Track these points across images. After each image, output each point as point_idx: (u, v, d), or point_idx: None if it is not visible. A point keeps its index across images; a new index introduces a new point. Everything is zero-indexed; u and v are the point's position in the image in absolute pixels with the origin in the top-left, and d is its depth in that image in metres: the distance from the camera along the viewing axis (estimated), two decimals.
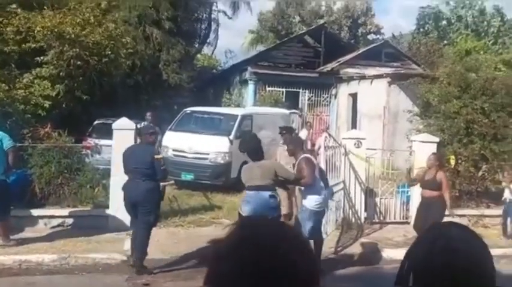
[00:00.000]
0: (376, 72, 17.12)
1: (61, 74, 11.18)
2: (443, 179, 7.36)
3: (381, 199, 9.38)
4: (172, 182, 8.04)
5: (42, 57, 11.05)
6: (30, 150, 8.04)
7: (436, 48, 21.84)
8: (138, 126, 9.88)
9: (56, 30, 10.86)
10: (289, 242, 0.94)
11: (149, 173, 6.08)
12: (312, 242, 6.27)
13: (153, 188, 6.14)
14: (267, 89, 18.67)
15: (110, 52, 11.54)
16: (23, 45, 11.18)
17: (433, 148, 9.15)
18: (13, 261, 6.30)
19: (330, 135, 9.12)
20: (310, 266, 0.95)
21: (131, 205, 6.22)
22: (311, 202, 6.23)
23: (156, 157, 6.22)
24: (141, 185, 6.08)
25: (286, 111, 15.06)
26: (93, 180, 8.26)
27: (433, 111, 10.37)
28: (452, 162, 9.33)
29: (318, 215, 6.33)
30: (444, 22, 27.45)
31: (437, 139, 9.35)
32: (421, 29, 27.43)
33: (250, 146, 5.98)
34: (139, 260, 6.11)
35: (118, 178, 7.77)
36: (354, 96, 17.81)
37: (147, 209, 6.10)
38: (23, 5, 11.46)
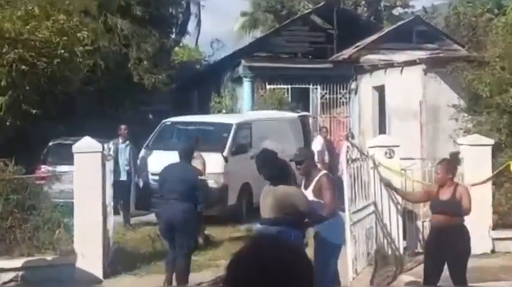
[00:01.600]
0: (407, 58, 17.18)
1: (1, 83, 11.25)
2: (466, 199, 6.54)
3: (423, 222, 9.37)
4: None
5: None
6: None
7: (483, 20, 21.81)
8: (107, 146, 9.97)
9: None
10: (293, 254, 1.59)
11: (189, 194, 7.20)
12: None
13: (191, 210, 7.24)
14: (268, 87, 18.72)
15: (62, 51, 11.59)
16: None
17: (487, 153, 9.20)
18: None
19: (352, 144, 9.17)
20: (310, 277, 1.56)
21: (167, 229, 7.32)
22: (337, 233, 6.29)
23: (200, 177, 7.57)
24: (177, 206, 7.16)
25: (294, 115, 15.15)
26: (52, 220, 8.30)
27: (484, 105, 10.43)
28: None
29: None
30: None
31: (491, 141, 9.39)
32: None
33: (276, 169, 6.01)
34: None
35: (84, 216, 7.86)
36: (380, 90, 17.87)
37: (185, 233, 7.12)
38: None
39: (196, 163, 8.99)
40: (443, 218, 6.55)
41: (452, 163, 7.33)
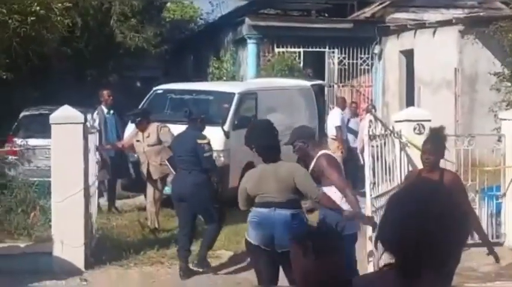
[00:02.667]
0: (441, 17, 17.15)
1: None
2: (461, 187, 5.98)
3: None
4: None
5: None
6: None
7: None
8: (90, 117, 10.07)
9: None
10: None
11: (194, 161, 8.04)
12: None
13: (202, 182, 8.08)
14: (276, 50, 18.74)
15: (38, 8, 11.64)
16: None
17: None
18: None
19: (376, 118, 9.23)
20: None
21: (178, 200, 8.24)
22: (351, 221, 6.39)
23: (198, 141, 8.11)
24: (187, 177, 8.05)
25: (307, 84, 15.18)
26: (26, 201, 8.41)
27: None
28: None
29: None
30: None
31: None
32: None
33: (263, 140, 6.05)
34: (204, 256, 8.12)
35: (62, 197, 7.96)
36: (408, 55, 17.87)
37: (201, 208, 8.20)
38: None
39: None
40: None
41: (443, 141, 6.41)
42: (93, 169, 9.25)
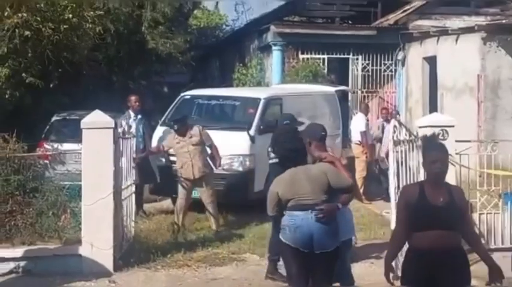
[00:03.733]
0: (464, 25, 16.98)
1: (2, 50, 11.43)
2: (467, 204, 5.27)
3: (480, 214, 9.33)
4: None
5: None
6: None
7: None
8: (125, 122, 10.06)
9: None
10: None
11: None
12: None
13: None
14: (301, 56, 18.69)
15: (70, 15, 11.72)
16: None
17: None
18: None
19: (400, 123, 9.13)
20: None
21: None
22: (346, 226, 6.39)
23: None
24: None
25: (331, 89, 15.12)
26: (57, 204, 8.42)
27: None
28: None
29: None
30: None
31: None
32: None
33: (291, 146, 6.00)
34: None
35: (93, 201, 7.95)
36: (431, 61, 17.72)
37: None
38: None
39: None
40: (437, 236, 4.60)
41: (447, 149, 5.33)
42: (129, 173, 9.27)
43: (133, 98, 11.65)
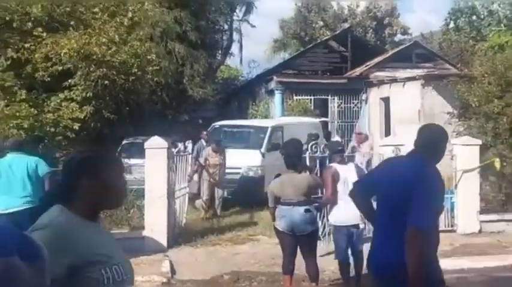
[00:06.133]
0: (408, 75, 16.99)
1: (88, 95, 11.45)
2: None
3: None
4: None
5: (70, 81, 11.34)
6: None
7: (470, 45, 21.50)
8: (189, 145, 10.16)
9: (82, 51, 11.13)
10: None
11: None
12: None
13: None
14: (295, 97, 18.70)
15: (136, 70, 11.76)
16: (50, 68, 11.50)
17: (476, 151, 9.04)
18: None
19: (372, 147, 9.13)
20: None
21: None
22: (331, 216, 6.29)
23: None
24: None
25: (316, 120, 15.08)
26: (127, 201, 8.38)
27: (473, 113, 10.24)
28: (497, 165, 9.16)
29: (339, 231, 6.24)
30: (474, 17, 27.07)
31: (479, 141, 9.22)
32: (451, 25, 27.11)
33: (292, 153, 5.97)
34: None
35: (152, 199, 7.95)
36: (385, 100, 17.68)
37: None
38: (47, 27, 11.81)
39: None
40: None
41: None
42: (184, 179, 9.31)
43: (204, 132, 12.06)
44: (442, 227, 9.13)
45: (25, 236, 1.24)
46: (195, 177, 10.51)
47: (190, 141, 11.51)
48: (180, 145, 9.69)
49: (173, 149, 8.94)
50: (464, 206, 9.03)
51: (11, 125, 9.14)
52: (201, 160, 10.37)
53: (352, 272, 6.28)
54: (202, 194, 10.38)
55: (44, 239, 1.69)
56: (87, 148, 8.89)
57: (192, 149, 10.49)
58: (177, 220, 8.92)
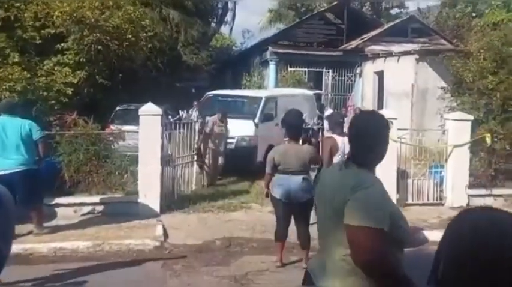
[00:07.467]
0: (403, 49, 16.95)
1: (81, 60, 11.37)
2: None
3: (413, 180, 9.40)
4: None
5: (62, 44, 11.23)
6: (58, 138, 8.23)
7: (466, 21, 21.43)
8: (194, 113, 10.22)
9: (75, 15, 11.01)
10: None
11: None
12: None
13: None
14: (289, 69, 18.64)
15: (130, 36, 11.65)
16: (42, 31, 11.35)
17: (468, 126, 9.15)
18: (48, 249, 6.54)
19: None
20: None
21: None
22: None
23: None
24: None
25: (310, 93, 15.07)
26: (121, 167, 8.43)
27: (467, 88, 10.30)
28: (488, 140, 9.29)
29: None
30: None
31: (471, 117, 9.31)
32: (447, 1, 26.90)
33: (294, 123, 6.01)
34: None
35: (146, 165, 7.99)
36: (379, 74, 17.69)
37: None
38: None
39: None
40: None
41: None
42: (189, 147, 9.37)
43: (195, 103, 12.19)
44: (431, 200, 9.37)
45: None
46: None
47: (195, 109, 11.44)
48: (182, 113, 9.65)
49: (174, 116, 8.95)
50: (453, 180, 9.19)
51: (4, 87, 9.10)
52: (207, 129, 10.36)
53: None
54: (208, 162, 10.43)
55: (376, 194, 2.20)
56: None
57: (197, 117, 10.47)
58: (176, 186, 8.96)
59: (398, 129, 9.23)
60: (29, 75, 10.11)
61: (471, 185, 9.23)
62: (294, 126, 5.94)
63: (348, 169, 2.32)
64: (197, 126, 9.90)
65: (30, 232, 6.88)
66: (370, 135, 2.34)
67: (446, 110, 10.54)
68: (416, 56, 15.31)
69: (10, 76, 9.51)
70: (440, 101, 12.32)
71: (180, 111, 9.59)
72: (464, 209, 1.26)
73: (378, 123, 2.41)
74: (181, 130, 9.08)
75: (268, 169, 6.01)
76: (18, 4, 11.08)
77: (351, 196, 2.18)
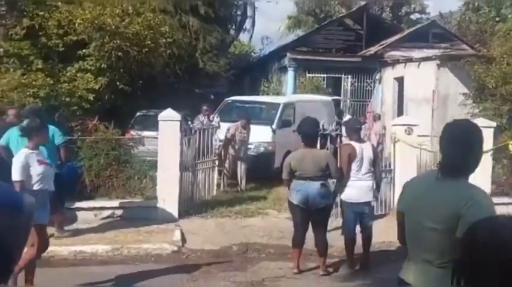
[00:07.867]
0: (423, 55, 16.81)
1: (102, 66, 11.57)
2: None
3: None
4: None
5: (84, 50, 11.45)
6: (80, 143, 8.38)
7: (489, 25, 21.13)
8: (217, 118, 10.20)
9: (96, 22, 11.23)
10: None
11: None
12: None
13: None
14: (307, 75, 18.63)
15: (149, 42, 11.82)
16: (65, 38, 11.60)
17: (490, 133, 9.02)
18: (69, 252, 6.66)
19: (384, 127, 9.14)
20: None
21: None
22: (343, 192, 6.27)
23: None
24: None
25: (329, 99, 15.05)
26: (140, 172, 8.54)
27: (489, 94, 10.17)
28: (511, 147, 9.15)
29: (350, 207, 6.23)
30: None
31: (494, 124, 9.18)
32: (470, 5, 26.57)
33: (309, 131, 6.02)
34: None
35: (165, 170, 8.08)
36: (399, 80, 17.56)
37: None
38: None
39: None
40: None
41: None
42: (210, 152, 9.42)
43: (205, 107, 11.74)
44: None
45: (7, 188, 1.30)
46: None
47: (217, 114, 11.43)
48: (203, 118, 9.69)
49: (194, 122, 9.00)
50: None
51: (28, 93, 9.32)
52: (228, 135, 10.40)
53: (360, 249, 6.38)
54: (228, 168, 10.47)
55: (490, 207, 2.22)
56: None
57: (219, 123, 10.48)
58: (195, 191, 9.02)
59: (419, 135, 9.17)
60: (52, 82, 10.35)
61: (493, 193, 9.05)
62: (310, 135, 5.96)
63: (448, 181, 2.29)
64: (218, 132, 9.95)
65: (51, 235, 6.97)
66: (471, 144, 2.33)
67: (468, 117, 10.39)
68: (438, 62, 15.16)
69: (34, 82, 9.75)
70: (462, 108, 12.21)
71: (187, 117, 9.64)
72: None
73: (478, 131, 2.38)
74: (201, 136, 9.12)
75: (284, 175, 6.02)
76: (42, 13, 11.35)
77: (467, 211, 2.18)
